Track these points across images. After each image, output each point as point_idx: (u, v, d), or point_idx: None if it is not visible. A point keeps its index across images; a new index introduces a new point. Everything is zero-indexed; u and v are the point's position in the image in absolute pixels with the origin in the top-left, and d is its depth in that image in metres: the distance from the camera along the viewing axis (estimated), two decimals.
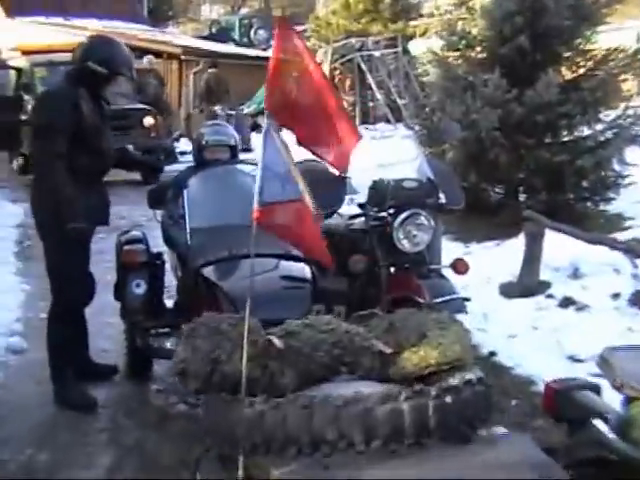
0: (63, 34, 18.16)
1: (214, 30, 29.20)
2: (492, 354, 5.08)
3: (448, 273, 4.49)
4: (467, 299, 4.23)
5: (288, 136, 2.93)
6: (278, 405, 2.29)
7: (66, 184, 4.22)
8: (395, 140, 11.99)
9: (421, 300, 4.00)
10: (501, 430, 2.51)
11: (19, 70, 13.03)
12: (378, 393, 2.31)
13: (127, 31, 21.50)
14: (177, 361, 2.48)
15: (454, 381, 2.38)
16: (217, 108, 14.99)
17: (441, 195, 4.48)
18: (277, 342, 2.47)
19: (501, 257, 6.77)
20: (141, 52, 18.92)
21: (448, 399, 2.35)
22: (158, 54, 19.08)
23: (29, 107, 10.54)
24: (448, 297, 4.11)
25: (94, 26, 21.43)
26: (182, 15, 38.84)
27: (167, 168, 7.57)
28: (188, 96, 18.13)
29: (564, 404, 2.63)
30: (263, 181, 2.63)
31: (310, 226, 2.84)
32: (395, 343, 2.55)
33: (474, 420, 2.39)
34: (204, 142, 4.98)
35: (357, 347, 2.57)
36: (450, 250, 5.79)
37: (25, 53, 15.14)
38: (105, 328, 5.41)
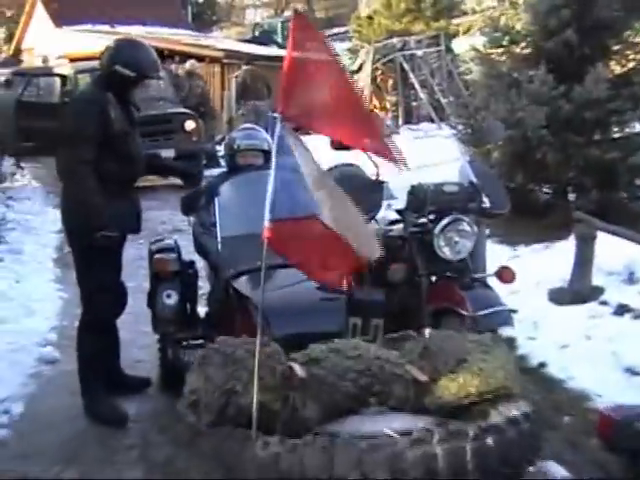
0: (108, 41, 18.24)
1: (257, 33, 29.21)
2: (542, 365, 4.82)
3: (493, 282, 4.24)
4: (513, 311, 3.97)
5: (312, 141, 2.73)
6: (295, 447, 2.06)
7: (94, 191, 4.12)
8: (438, 140, 11.76)
9: (464, 312, 3.77)
10: (552, 466, 2.25)
11: (64, 77, 13.12)
12: (408, 435, 2.05)
13: (170, 36, 21.68)
14: (189, 391, 2.28)
15: (496, 418, 2.12)
16: (259, 103, 14.86)
17: (484, 199, 4.24)
18: (299, 370, 2.25)
19: (550, 261, 6.54)
20: (184, 56, 19.05)
21: (489, 441, 2.09)
22: (201, 58, 19.13)
23: None
24: (493, 309, 3.85)
25: (138, 32, 21.65)
26: (226, 19, 39.02)
27: (208, 172, 7.49)
28: (230, 99, 18.04)
29: (623, 435, 2.37)
30: (275, 194, 2.42)
31: (329, 248, 2.59)
32: (431, 369, 2.31)
33: (519, 462, 2.12)
34: (236, 147, 4.83)
35: (388, 374, 2.33)
36: (496, 254, 5.55)
37: (72, 61, 15.26)
38: (140, 337, 5.27)
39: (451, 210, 4.12)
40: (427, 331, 3.97)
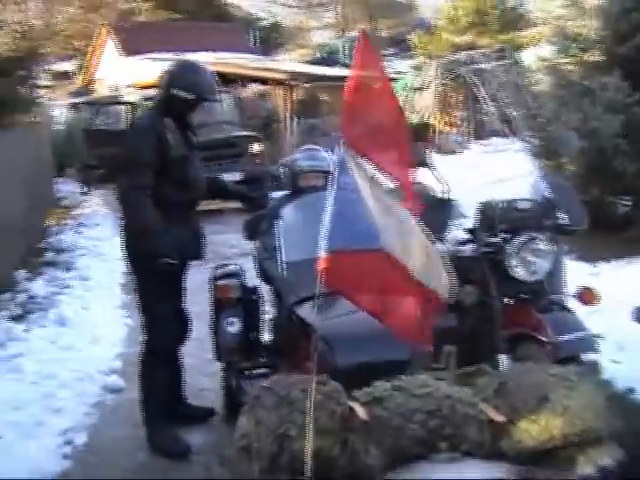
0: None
1: (321, 54, 29.29)
2: (630, 391, 4.46)
3: (573, 303, 3.96)
4: (598, 336, 3.67)
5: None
6: None
7: (151, 218, 4.06)
8: (508, 154, 11.46)
9: (543, 338, 3.51)
10: None
11: (132, 105, 13.33)
12: None
13: (236, 60, 21.87)
14: (239, 436, 2.10)
15: (585, 467, 1.86)
16: (313, 121, 14.90)
17: (560, 214, 3.96)
18: (360, 411, 2.03)
19: (634, 277, 6.29)
20: (249, 80, 19.20)
21: None
22: (266, 81, 19.23)
23: None
24: (575, 334, 3.57)
25: (205, 59, 21.93)
26: (291, 42, 39.32)
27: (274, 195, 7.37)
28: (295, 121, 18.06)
29: None
30: (334, 222, 2.23)
31: (399, 287, 2.36)
32: (509, 408, 2.05)
33: None
34: (298, 169, 4.68)
35: (460, 415, 2.07)
36: (575, 272, 5.25)
37: (141, 89, 15.56)
38: (206, 365, 5.14)
39: (525, 228, 3.86)
40: (503, 358, 3.75)
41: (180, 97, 4.19)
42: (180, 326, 4.38)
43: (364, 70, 2.54)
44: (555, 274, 4.02)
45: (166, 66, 4.37)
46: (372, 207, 2.36)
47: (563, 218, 3.98)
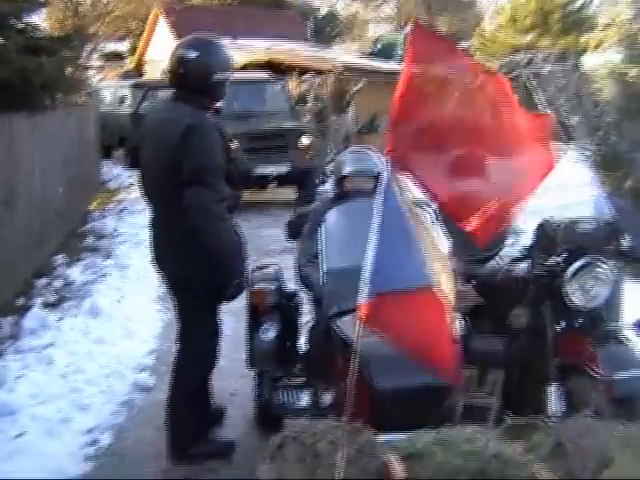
0: (231, 54, 18.36)
1: (377, 48, 28.91)
2: None
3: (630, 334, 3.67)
4: None
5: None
6: None
7: (235, 234, 3.79)
8: (564, 162, 11.08)
9: (596, 374, 3.25)
10: None
11: None
12: None
13: (290, 49, 21.65)
14: None
15: None
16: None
17: (624, 239, 3.67)
18: (397, 469, 1.79)
19: None
20: (304, 70, 18.98)
21: None
22: (320, 72, 18.98)
23: None
24: (632, 373, 3.29)
25: (260, 45, 21.78)
26: (347, 34, 39.01)
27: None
28: (348, 115, 17.78)
29: None
30: (377, 260, 2.00)
31: (438, 327, 2.13)
32: (566, 473, 1.80)
33: None
34: (344, 172, 4.44)
35: (510, 479, 1.83)
36: (632, 294, 4.92)
37: None
38: (239, 366, 4.92)
39: (586, 251, 3.58)
40: (552, 389, 3.50)
41: (223, 82, 3.83)
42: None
43: (421, 64, 2.27)
44: (613, 302, 3.74)
45: (181, 51, 3.84)
46: (419, 238, 2.12)
47: (626, 242, 3.69)
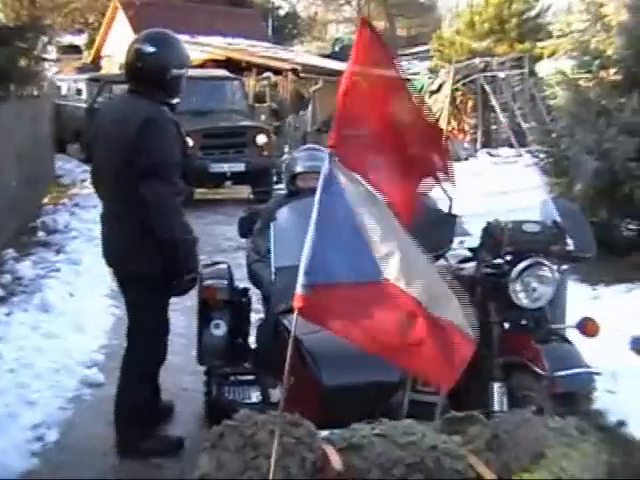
0: (190, 51, 18.28)
1: (337, 48, 29.04)
2: (621, 424, 4.26)
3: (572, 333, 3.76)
4: (597, 373, 3.47)
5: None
6: None
7: (188, 228, 3.78)
8: (516, 167, 11.27)
9: (539, 371, 3.33)
10: None
11: None
12: None
13: (249, 48, 21.65)
14: (198, 475, 1.88)
15: None
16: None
17: (568, 241, 3.76)
18: (335, 460, 1.82)
19: (633, 304, 6.06)
20: (262, 69, 19.00)
21: None
22: (278, 71, 19.02)
23: None
24: (573, 370, 3.38)
25: (219, 43, 21.71)
26: (307, 34, 39.08)
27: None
28: (306, 114, 17.86)
29: None
30: (317, 255, 2.02)
31: (389, 321, 2.13)
32: (501, 465, 1.84)
33: None
34: (296, 170, 4.47)
35: (446, 470, 1.86)
36: (574, 294, 5.06)
37: None
38: (191, 363, 4.92)
39: (531, 252, 3.67)
40: (496, 385, 3.58)
41: (180, 78, 3.82)
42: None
43: (364, 66, 2.24)
44: (557, 302, 3.84)
45: (139, 45, 3.82)
46: (369, 230, 2.14)
47: (571, 244, 3.79)
